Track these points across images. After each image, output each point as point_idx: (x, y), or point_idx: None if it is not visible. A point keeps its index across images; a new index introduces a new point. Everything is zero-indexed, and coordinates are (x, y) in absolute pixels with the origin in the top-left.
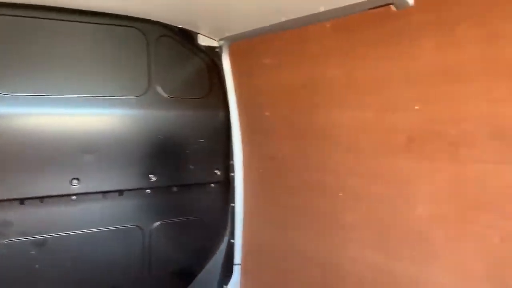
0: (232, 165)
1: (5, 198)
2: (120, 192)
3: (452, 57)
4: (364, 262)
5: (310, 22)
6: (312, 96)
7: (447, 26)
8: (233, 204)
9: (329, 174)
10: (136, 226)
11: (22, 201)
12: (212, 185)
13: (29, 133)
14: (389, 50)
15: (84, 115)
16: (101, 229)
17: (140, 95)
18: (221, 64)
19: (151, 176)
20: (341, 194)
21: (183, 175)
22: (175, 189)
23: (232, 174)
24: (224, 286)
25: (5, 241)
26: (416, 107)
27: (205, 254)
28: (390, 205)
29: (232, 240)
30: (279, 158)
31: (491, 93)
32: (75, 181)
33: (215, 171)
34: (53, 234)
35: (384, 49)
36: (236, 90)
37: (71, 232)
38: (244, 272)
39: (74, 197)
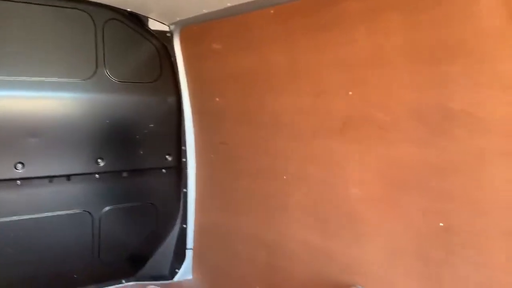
0: (184, 151)
1: None
2: (68, 177)
3: (379, 43)
4: (305, 243)
5: (255, 8)
6: (258, 82)
7: (376, 13)
8: (185, 190)
9: (275, 158)
10: (85, 211)
11: None
12: (164, 170)
13: None
14: (325, 36)
15: (30, 98)
16: (49, 214)
17: (87, 79)
18: (172, 49)
19: (99, 160)
20: (285, 177)
21: (133, 160)
22: (125, 174)
23: (184, 159)
24: (176, 270)
25: None
26: (350, 93)
27: (157, 239)
28: (327, 187)
29: (184, 225)
30: (230, 143)
31: (414, 79)
32: (19, 165)
33: (166, 156)
34: None
35: (321, 35)
36: (187, 75)
37: (18, 217)
38: (196, 256)
39: (18, 182)
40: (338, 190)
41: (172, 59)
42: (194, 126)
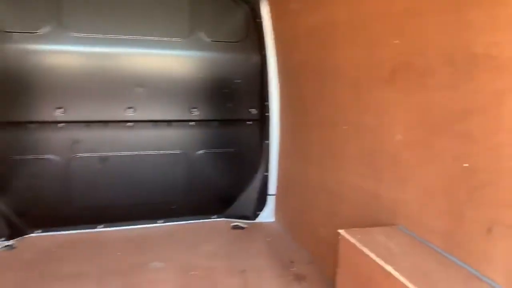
0: (267, 106)
1: (77, 120)
2: (168, 122)
3: None
4: (358, 188)
5: None
6: (324, 38)
7: None
8: (267, 141)
9: (337, 109)
10: (182, 152)
11: (88, 123)
12: (248, 122)
13: (94, 68)
14: None
15: (139, 54)
16: (153, 152)
17: (185, 38)
18: (259, 12)
19: (193, 110)
20: (345, 127)
21: (221, 112)
22: (215, 123)
23: (267, 114)
24: (258, 212)
25: (78, 155)
26: (396, 41)
27: (242, 183)
28: (377, 134)
29: (266, 173)
30: (303, 97)
31: (445, 26)
32: (130, 110)
33: (251, 110)
34: (114, 153)
35: None
36: (272, 35)
37: (128, 153)
38: (277, 201)
39: (130, 124)
40: (385, 137)
41: (258, 20)
42: (278, 82)
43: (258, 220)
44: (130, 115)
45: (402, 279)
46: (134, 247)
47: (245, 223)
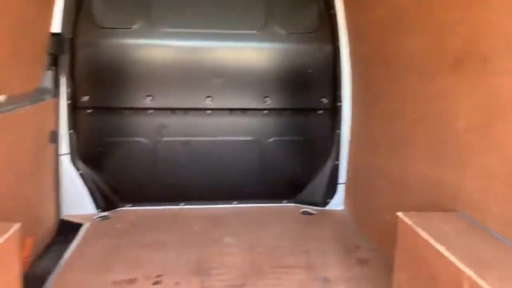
0: (339, 95)
1: (164, 107)
2: (243, 110)
3: None
4: (422, 175)
5: None
6: (394, 26)
7: None
8: (338, 130)
9: (404, 97)
10: (255, 139)
11: (173, 110)
12: (320, 111)
13: (178, 60)
14: None
15: (216, 47)
16: (228, 138)
17: (259, 31)
18: (332, 1)
19: (266, 99)
20: (412, 115)
21: (293, 101)
22: (286, 112)
23: (339, 103)
24: (328, 200)
25: (163, 138)
26: (459, 28)
27: (312, 171)
28: (441, 121)
29: (337, 162)
30: (373, 86)
31: (507, 10)
32: (208, 99)
33: (322, 99)
34: (194, 138)
35: None
36: (344, 25)
37: (207, 138)
38: (346, 190)
39: (208, 111)
40: (449, 123)
41: (332, 12)
42: (351, 73)
43: (327, 207)
44: (208, 103)
45: (452, 258)
46: (210, 224)
47: (315, 209)
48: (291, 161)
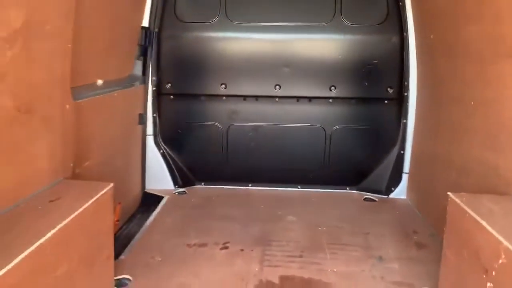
0: (406, 85)
1: (236, 94)
2: (309, 99)
3: None
4: (480, 161)
5: None
6: (457, 14)
7: None
8: (405, 120)
9: (465, 85)
10: (320, 126)
11: (244, 97)
12: (386, 101)
13: (249, 51)
14: None
15: (286, 38)
16: (295, 125)
17: (327, 23)
18: None
19: (332, 88)
20: (472, 102)
21: (359, 90)
22: (352, 101)
23: (405, 93)
24: (392, 189)
25: (235, 123)
26: None
27: (376, 159)
28: (499, 108)
29: (402, 151)
30: (437, 75)
31: None
32: (277, 87)
33: (388, 89)
34: (263, 123)
35: None
36: (412, 15)
37: (275, 124)
38: (409, 179)
39: (277, 99)
40: (506, 110)
41: (401, 3)
42: (417, 62)
43: (390, 196)
44: (277, 91)
45: (493, 231)
46: (275, 204)
47: (377, 197)
48: (355, 149)
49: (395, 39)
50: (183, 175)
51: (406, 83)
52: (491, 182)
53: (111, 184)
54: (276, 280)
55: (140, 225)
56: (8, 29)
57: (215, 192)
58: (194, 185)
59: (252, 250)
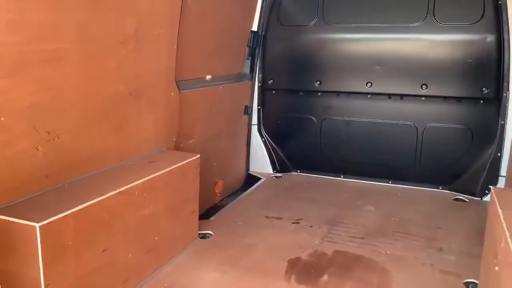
0: (505, 86)
1: (330, 90)
2: (401, 96)
3: None
4: None
5: None
6: None
7: None
8: (503, 122)
9: None
10: (412, 124)
11: (338, 93)
12: (481, 101)
13: (343, 50)
14: None
15: (378, 38)
16: (386, 121)
17: (419, 22)
18: None
19: (424, 86)
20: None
21: (451, 89)
22: (444, 100)
23: (504, 94)
24: (487, 192)
25: (328, 117)
26: None
27: (471, 160)
28: None
29: (499, 154)
30: None
31: None
32: (369, 84)
33: (483, 89)
34: (355, 118)
35: None
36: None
37: (365, 119)
38: (507, 182)
39: (369, 96)
40: None
41: (500, 1)
42: None
43: (484, 199)
44: (369, 88)
45: (504, 222)
46: (359, 195)
47: (469, 198)
48: (448, 148)
49: (491, 38)
50: (281, 162)
51: (505, 83)
52: None
53: (197, 155)
54: (330, 253)
55: (234, 198)
56: (123, 34)
57: (307, 179)
58: (290, 171)
59: (320, 228)
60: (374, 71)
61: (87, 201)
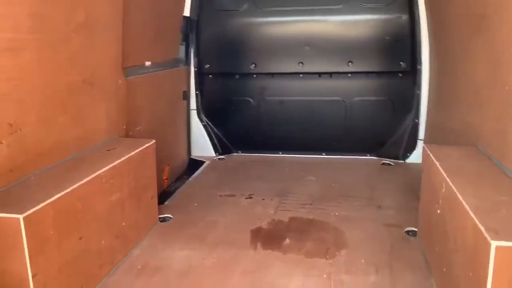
0: (419, 59)
1: (265, 72)
2: (330, 74)
3: None
4: (466, 122)
5: None
6: None
7: None
8: (418, 91)
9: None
10: (341, 99)
11: (272, 75)
12: (400, 74)
13: (275, 33)
14: None
15: (306, 20)
16: (318, 98)
17: (343, 4)
18: None
19: (350, 63)
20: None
21: (374, 65)
22: (368, 75)
23: (419, 67)
24: (408, 154)
25: (264, 98)
26: None
27: (393, 128)
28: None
29: (416, 120)
30: (446, 49)
31: None
32: (300, 64)
33: (400, 63)
34: (288, 98)
35: None
36: None
37: (299, 98)
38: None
39: (301, 75)
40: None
41: None
42: (429, 38)
43: (407, 161)
44: (300, 68)
45: (440, 169)
46: (299, 168)
47: (394, 162)
48: (373, 119)
49: (404, 17)
50: (222, 144)
51: (418, 57)
52: (469, 139)
53: (153, 141)
54: (286, 220)
55: (183, 182)
56: (75, 23)
57: (249, 158)
58: (232, 153)
59: (271, 200)
60: (304, 52)
61: (62, 191)
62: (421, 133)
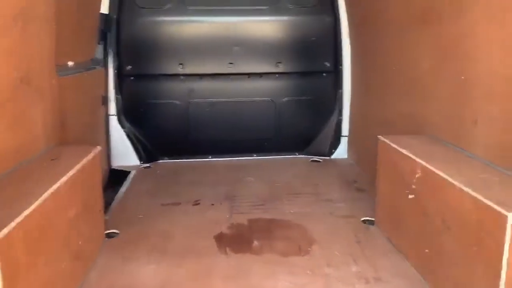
0: (341, 59)
1: (192, 73)
2: (260, 75)
3: None
4: (399, 112)
5: None
6: None
7: None
8: (340, 90)
9: (388, 52)
10: (270, 99)
11: (201, 76)
12: (324, 74)
13: (202, 33)
14: None
15: (235, 20)
16: (248, 99)
17: (270, 6)
18: None
19: (278, 64)
20: (394, 68)
21: (301, 65)
22: (296, 75)
23: (340, 66)
24: (333, 150)
25: (192, 100)
26: None
27: (319, 126)
28: (413, 67)
29: (340, 117)
30: (367, 47)
31: None
32: (230, 65)
33: (325, 63)
34: (219, 99)
35: None
36: None
37: (229, 99)
38: (349, 140)
39: (231, 76)
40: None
41: None
42: (350, 39)
43: (333, 156)
44: (230, 69)
45: (411, 155)
46: (234, 170)
47: (322, 158)
48: (301, 118)
49: (328, 18)
50: (147, 151)
51: (340, 57)
52: (409, 128)
53: (99, 148)
54: (245, 222)
55: (114, 194)
56: (13, 10)
57: (178, 165)
58: (158, 160)
59: (221, 203)
60: (233, 52)
61: (26, 208)
62: (345, 130)
